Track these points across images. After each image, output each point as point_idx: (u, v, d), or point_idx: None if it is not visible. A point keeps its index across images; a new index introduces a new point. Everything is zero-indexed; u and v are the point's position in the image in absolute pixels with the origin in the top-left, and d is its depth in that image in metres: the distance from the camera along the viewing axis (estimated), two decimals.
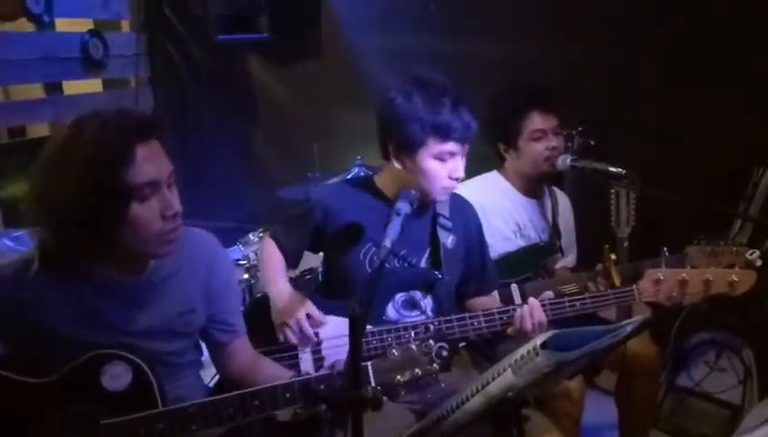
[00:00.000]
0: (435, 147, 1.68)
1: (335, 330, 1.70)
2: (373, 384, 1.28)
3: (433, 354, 1.29)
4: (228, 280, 1.54)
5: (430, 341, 1.30)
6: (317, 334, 1.69)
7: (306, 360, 1.70)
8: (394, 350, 1.30)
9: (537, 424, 1.61)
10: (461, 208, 1.92)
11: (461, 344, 1.76)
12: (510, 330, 1.70)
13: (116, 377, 1.30)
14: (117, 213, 1.24)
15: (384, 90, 1.78)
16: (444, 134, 1.67)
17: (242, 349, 1.56)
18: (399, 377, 1.29)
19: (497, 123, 2.22)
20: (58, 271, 1.33)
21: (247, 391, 1.32)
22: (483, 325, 1.70)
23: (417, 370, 1.29)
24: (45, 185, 1.26)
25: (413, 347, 1.30)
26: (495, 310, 1.71)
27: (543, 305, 1.70)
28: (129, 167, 1.22)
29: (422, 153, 1.70)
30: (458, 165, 1.72)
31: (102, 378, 1.30)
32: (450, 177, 1.72)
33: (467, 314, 1.71)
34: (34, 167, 1.26)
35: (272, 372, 1.52)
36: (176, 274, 1.42)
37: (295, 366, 1.69)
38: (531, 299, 1.70)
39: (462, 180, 1.80)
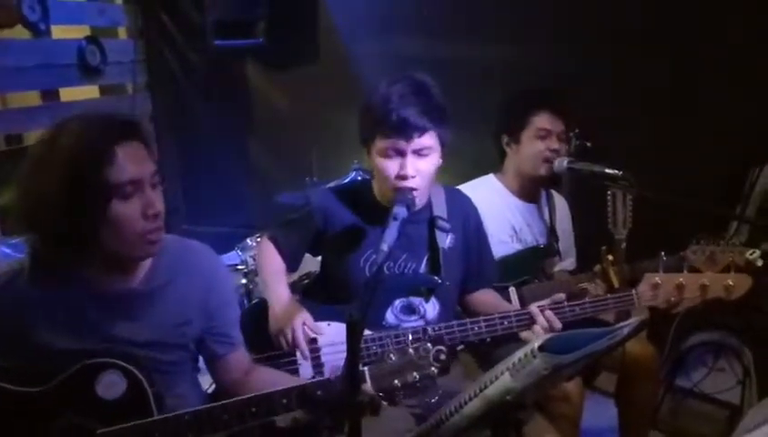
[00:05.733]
0: (379, 142, 1.65)
1: (334, 335, 1.70)
2: (371, 390, 1.28)
3: (431, 358, 1.28)
4: (227, 294, 1.54)
5: (428, 345, 1.29)
6: (314, 342, 1.68)
7: (305, 366, 1.69)
8: (391, 355, 1.30)
9: (536, 427, 1.62)
10: (459, 204, 1.89)
11: (460, 347, 1.76)
12: (523, 335, 1.70)
13: (111, 385, 1.30)
14: (99, 212, 1.25)
15: None
16: (384, 129, 1.63)
17: (239, 361, 1.55)
18: (396, 381, 1.28)
19: (506, 113, 2.26)
20: (49, 279, 1.33)
21: (243, 397, 1.32)
22: (484, 330, 1.70)
23: (415, 374, 1.29)
24: (28, 188, 1.27)
25: (410, 351, 1.29)
26: (497, 316, 1.71)
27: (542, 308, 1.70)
28: (109, 165, 1.24)
29: (372, 151, 1.69)
30: (406, 162, 1.63)
31: (97, 387, 1.30)
32: (398, 176, 1.64)
33: (467, 320, 1.70)
34: (18, 173, 1.28)
35: (269, 383, 1.50)
36: (171, 285, 1.42)
37: (294, 372, 1.68)
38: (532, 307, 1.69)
39: (459, 183, 1.80)
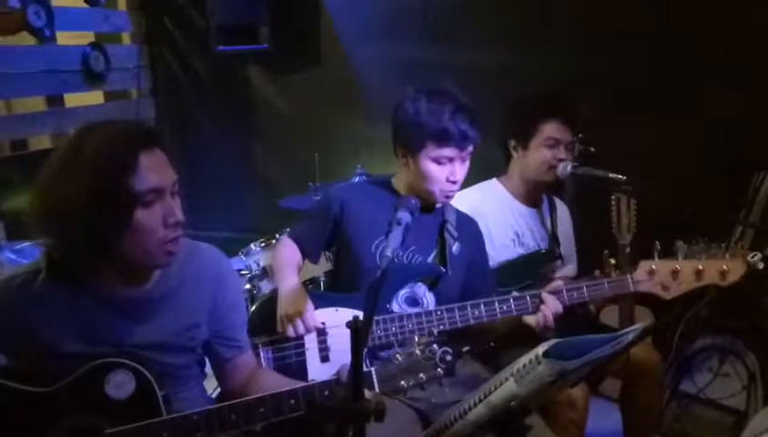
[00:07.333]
0: (433, 150, 1.77)
1: (341, 320, 1.73)
2: (377, 390, 1.29)
3: (437, 359, 1.30)
4: (235, 297, 1.54)
5: (434, 346, 1.30)
6: (322, 325, 1.74)
7: (311, 350, 1.74)
8: (398, 356, 1.31)
9: (540, 433, 1.61)
10: (468, 224, 1.98)
11: (465, 348, 1.77)
12: (529, 319, 1.74)
13: (120, 385, 1.31)
14: (121, 220, 1.25)
15: (382, 98, 1.85)
16: (440, 139, 1.76)
17: (245, 364, 1.55)
18: (402, 382, 1.30)
19: (516, 118, 2.25)
20: (64, 283, 1.34)
21: (251, 398, 1.33)
22: (484, 313, 1.73)
23: (421, 376, 1.30)
24: (49, 193, 1.27)
25: (417, 352, 1.31)
26: (496, 299, 1.74)
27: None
28: (133, 174, 1.24)
29: (422, 155, 1.79)
30: (455, 169, 1.80)
31: (106, 386, 1.30)
32: (448, 180, 1.79)
33: (468, 303, 1.74)
34: (38, 177, 1.28)
35: (274, 387, 1.51)
36: (180, 288, 1.43)
37: (302, 355, 1.74)
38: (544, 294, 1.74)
39: (462, 187, 1.84)
